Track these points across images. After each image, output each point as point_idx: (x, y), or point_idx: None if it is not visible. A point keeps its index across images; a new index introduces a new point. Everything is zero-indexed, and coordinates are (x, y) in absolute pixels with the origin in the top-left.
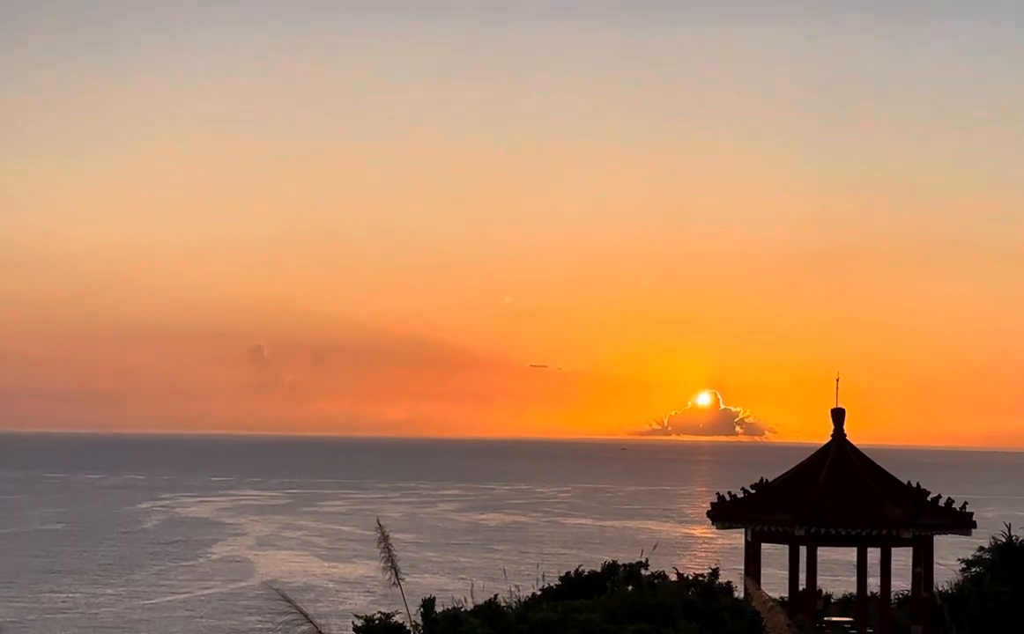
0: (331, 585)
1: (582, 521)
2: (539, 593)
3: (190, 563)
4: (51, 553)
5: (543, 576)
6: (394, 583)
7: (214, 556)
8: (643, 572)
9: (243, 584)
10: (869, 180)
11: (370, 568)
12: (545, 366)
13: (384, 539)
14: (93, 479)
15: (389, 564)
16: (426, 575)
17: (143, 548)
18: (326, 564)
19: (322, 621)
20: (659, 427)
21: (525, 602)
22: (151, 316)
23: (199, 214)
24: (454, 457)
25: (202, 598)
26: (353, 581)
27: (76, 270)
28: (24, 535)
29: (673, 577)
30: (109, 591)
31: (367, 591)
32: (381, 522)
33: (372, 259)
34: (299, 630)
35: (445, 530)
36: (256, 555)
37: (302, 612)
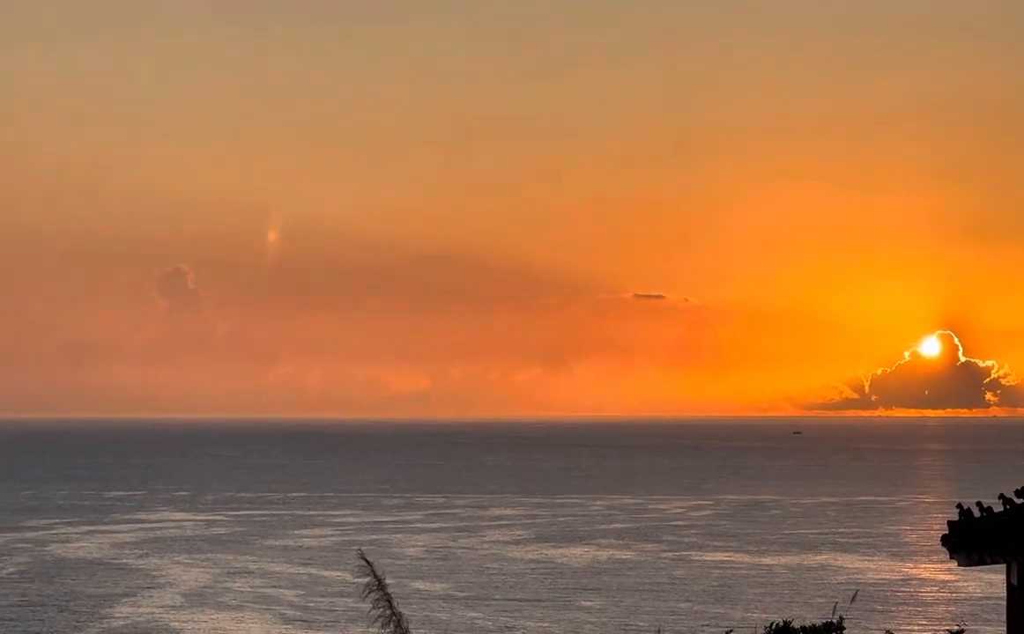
0: None
1: (729, 557)
2: None
3: None
4: None
5: None
6: None
7: (114, 624)
8: None
9: None
10: None
11: None
12: (661, 297)
13: (379, 586)
14: None
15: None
16: None
17: None
18: None
19: None
20: (855, 395)
21: None
22: None
23: (77, 69)
24: (511, 453)
25: None
26: None
27: None
28: None
29: None
30: None
31: None
32: (373, 561)
33: (372, 134)
34: None
35: (499, 577)
36: (183, 623)
37: None
